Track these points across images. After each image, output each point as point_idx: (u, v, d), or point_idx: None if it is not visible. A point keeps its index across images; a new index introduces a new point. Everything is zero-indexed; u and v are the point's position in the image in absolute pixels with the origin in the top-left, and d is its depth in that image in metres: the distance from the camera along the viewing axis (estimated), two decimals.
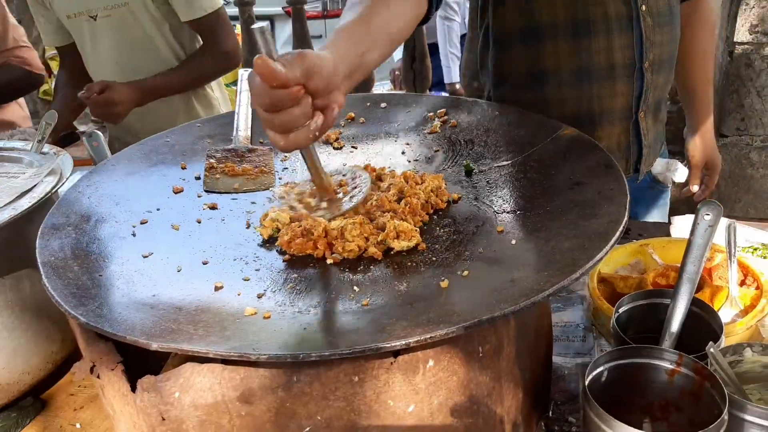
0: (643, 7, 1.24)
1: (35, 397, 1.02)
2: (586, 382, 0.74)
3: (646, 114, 1.35)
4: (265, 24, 0.70)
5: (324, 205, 0.87)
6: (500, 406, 0.73)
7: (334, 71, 0.74)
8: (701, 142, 1.55)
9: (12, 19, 2.19)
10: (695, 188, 1.57)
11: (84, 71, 1.96)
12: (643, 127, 1.35)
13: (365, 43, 0.85)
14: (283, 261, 0.80)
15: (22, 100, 2.38)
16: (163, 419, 0.65)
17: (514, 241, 0.78)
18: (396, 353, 0.63)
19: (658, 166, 1.49)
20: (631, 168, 1.39)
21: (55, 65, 3.58)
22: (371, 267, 0.77)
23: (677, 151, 1.76)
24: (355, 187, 0.90)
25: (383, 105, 1.24)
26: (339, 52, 0.79)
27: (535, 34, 1.26)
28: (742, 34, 2.31)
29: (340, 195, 0.89)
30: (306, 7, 3.02)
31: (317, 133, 0.73)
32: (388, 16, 0.90)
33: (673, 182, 1.53)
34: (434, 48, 4.08)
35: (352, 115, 1.21)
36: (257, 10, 2.89)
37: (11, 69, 2.11)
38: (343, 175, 0.94)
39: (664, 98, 1.42)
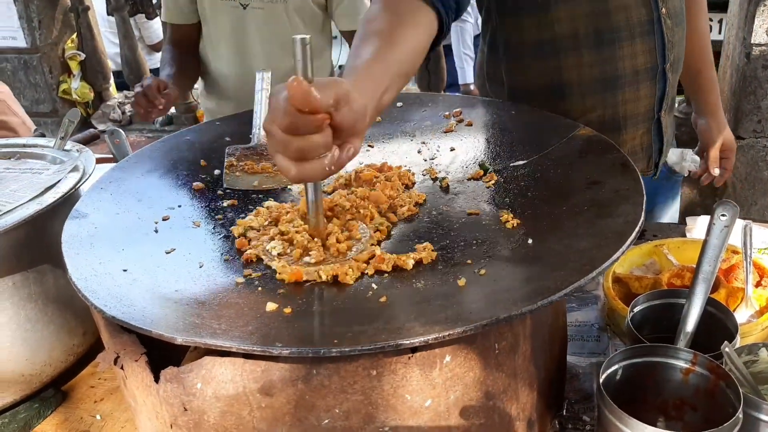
0: (664, 10, 1.23)
1: (56, 389, 1.04)
2: (601, 380, 0.75)
3: (666, 112, 1.35)
4: (307, 37, 0.65)
5: (312, 260, 0.78)
6: (515, 403, 0.74)
7: (364, 111, 0.69)
8: (714, 123, 1.52)
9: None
10: (716, 171, 1.52)
11: (191, 52, 1.86)
12: (664, 125, 1.36)
13: (384, 83, 0.79)
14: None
15: (22, 113, 2.36)
16: (186, 409, 0.67)
17: (530, 240, 0.78)
18: (414, 349, 0.64)
19: (673, 156, 1.49)
20: (652, 165, 1.39)
21: (74, 65, 3.63)
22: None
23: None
24: (351, 239, 0.82)
25: (399, 104, 1.25)
26: (365, 93, 0.73)
27: (553, 47, 1.25)
28: (759, 35, 2.29)
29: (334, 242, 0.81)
30: None
31: (332, 168, 0.67)
32: (405, 51, 0.85)
33: (689, 172, 1.52)
34: (447, 50, 4.08)
35: None
36: None
37: None
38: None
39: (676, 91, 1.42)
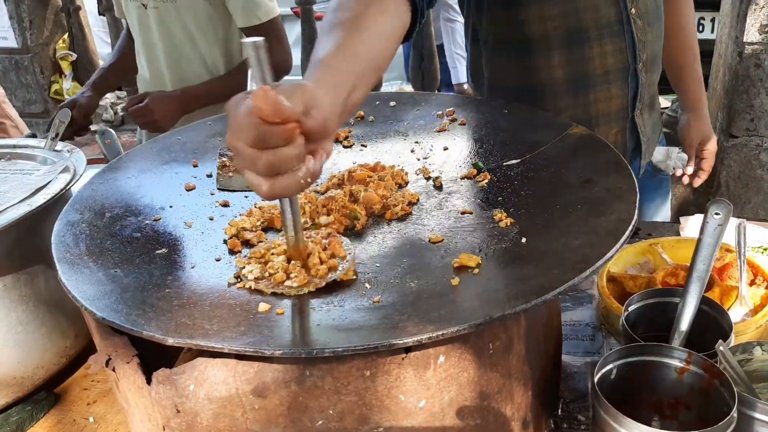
0: (633, 10, 1.23)
1: (49, 391, 1.04)
2: (596, 380, 0.75)
3: (642, 111, 1.35)
4: (259, 39, 0.60)
5: (294, 284, 0.72)
6: (510, 402, 0.74)
7: (331, 112, 0.64)
8: (694, 119, 1.51)
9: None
10: (689, 169, 1.50)
11: None
12: (640, 124, 1.36)
13: (352, 78, 0.72)
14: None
15: (15, 115, 2.40)
16: (178, 411, 0.66)
17: (524, 239, 0.78)
18: (407, 349, 0.63)
19: (658, 154, 1.49)
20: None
21: (65, 65, 3.62)
22: (382, 266, 0.78)
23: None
24: (333, 257, 0.76)
25: (392, 104, 1.25)
26: (330, 90, 0.67)
27: (526, 47, 1.25)
28: (751, 34, 2.31)
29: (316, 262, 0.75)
30: (315, 7, 3.03)
31: (308, 180, 0.62)
32: (373, 44, 0.78)
33: (673, 169, 1.52)
34: (440, 50, 4.08)
35: (362, 113, 1.22)
36: None
37: None
38: (316, 235, 0.80)
39: (656, 90, 1.41)
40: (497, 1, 1.26)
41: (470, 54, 1.42)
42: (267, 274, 0.73)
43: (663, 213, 1.62)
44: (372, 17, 0.79)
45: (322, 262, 0.74)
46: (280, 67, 1.85)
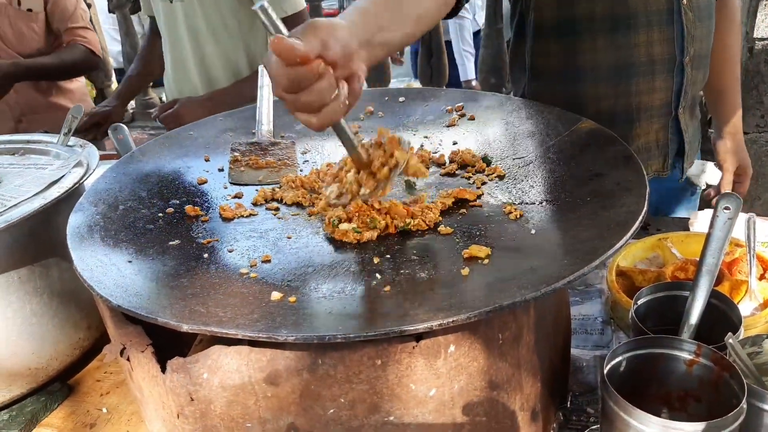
0: (685, 1, 1.21)
1: (62, 383, 1.05)
2: (605, 371, 0.75)
3: (685, 109, 1.32)
4: (264, 3, 0.66)
5: (366, 191, 0.83)
6: (519, 393, 0.74)
7: (349, 37, 0.70)
8: (732, 145, 1.49)
9: (83, 3, 2.29)
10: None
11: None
12: (683, 123, 1.33)
13: (383, 19, 0.80)
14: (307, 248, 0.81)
15: (83, 79, 2.48)
16: (192, 399, 0.67)
17: (533, 231, 0.79)
18: (418, 338, 0.64)
19: (694, 168, 1.46)
20: (669, 166, 1.36)
21: None
22: (393, 255, 0.78)
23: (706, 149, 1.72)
24: (392, 157, 0.83)
25: (401, 99, 1.26)
26: (354, 20, 0.75)
27: (572, 28, 1.23)
28: (762, 30, 2.29)
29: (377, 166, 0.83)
30: (323, 4, 3.04)
31: (347, 103, 0.69)
32: None
33: (707, 184, 1.50)
34: (447, 47, 4.08)
35: (371, 109, 1.23)
36: None
37: (77, 49, 2.21)
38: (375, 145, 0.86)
39: (699, 96, 1.39)
40: None
41: (512, 47, 1.40)
42: (344, 189, 0.83)
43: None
44: None
45: (383, 166, 0.82)
46: None
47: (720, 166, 1.52)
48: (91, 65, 2.36)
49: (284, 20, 1.76)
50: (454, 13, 0.99)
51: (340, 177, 0.85)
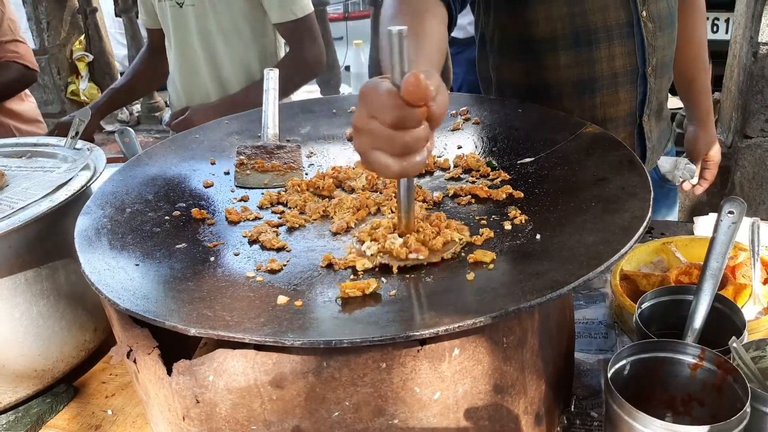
0: (644, 13, 1.23)
1: (68, 384, 1.06)
2: (609, 375, 0.75)
3: (650, 117, 1.35)
4: (403, 28, 0.61)
5: (420, 255, 0.75)
6: (523, 396, 0.75)
7: (448, 100, 0.66)
8: (702, 133, 1.52)
9: (9, 12, 2.17)
10: (694, 180, 1.52)
11: (163, 53, 2.02)
12: (647, 130, 1.36)
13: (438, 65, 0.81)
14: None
15: (34, 100, 2.41)
16: (198, 402, 0.67)
17: (538, 236, 0.79)
18: (423, 341, 0.64)
19: (666, 164, 1.48)
20: None
21: (82, 66, 3.67)
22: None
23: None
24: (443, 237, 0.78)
25: None
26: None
27: (534, 47, 1.25)
28: (766, 34, 2.29)
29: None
30: (328, 9, 3.05)
31: (427, 160, 0.65)
32: (434, 42, 0.87)
33: (680, 179, 1.52)
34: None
35: None
36: None
37: (10, 68, 2.10)
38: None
39: (666, 97, 1.41)
40: (504, 2, 1.27)
41: (478, 60, 1.43)
42: (384, 248, 0.76)
43: None
44: (427, 24, 0.88)
45: (436, 235, 0.77)
46: (314, 65, 1.86)
47: (689, 153, 1.55)
48: (27, 82, 2.25)
49: (292, 22, 1.80)
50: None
51: (375, 236, 0.79)
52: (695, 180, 1.53)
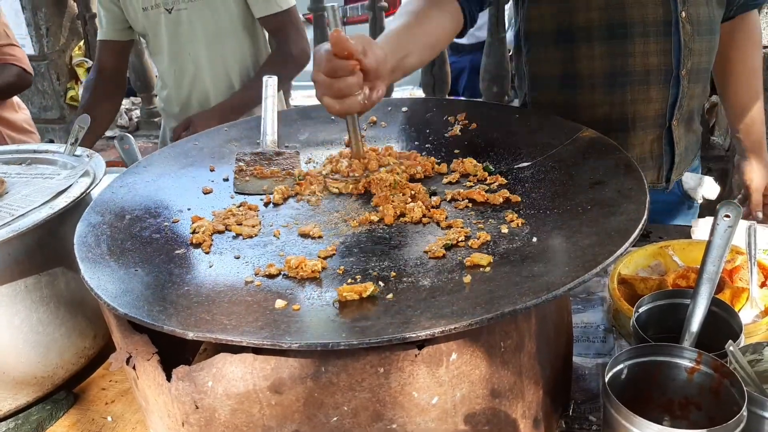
0: (683, 14, 1.23)
1: (68, 391, 1.06)
2: (606, 379, 0.75)
3: (680, 122, 1.33)
4: (336, 3, 0.83)
5: (355, 173, 1.02)
6: (521, 400, 0.75)
7: (384, 59, 0.89)
8: (758, 164, 1.48)
9: (3, 17, 2.20)
10: (760, 215, 1.48)
11: (120, 76, 2.03)
12: (676, 135, 1.34)
13: (407, 48, 1.00)
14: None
15: (27, 111, 2.42)
16: (197, 407, 0.68)
17: (534, 239, 0.79)
18: (420, 346, 0.65)
19: (691, 180, 1.45)
20: (663, 178, 1.38)
21: (81, 72, 3.67)
22: (396, 264, 0.79)
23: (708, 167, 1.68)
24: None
25: (404, 109, 1.27)
26: (388, 46, 0.94)
27: (569, 37, 1.26)
28: (765, 37, 2.30)
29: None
30: (326, 13, 3.06)
31: (366, 103, 0.87)
32: (430, 27, 1.06)
33: (703, 198, 1.50)
34: None
35: (374, 118, 1.24)
36: None
37: (9, 70, 2.13)
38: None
39: (698, 109, 1.40)
40: None
41: (515, 57, 1.44)
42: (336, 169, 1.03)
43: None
44: (431, 12, 1.09)
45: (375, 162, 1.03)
46: (299, 58, 1.89)
47: (747, 188, 1.50)
48: (24, 85, 2.28)
49: (276, 15, 1.82)
50: (460, 36, 1.16)
51: (333, 161, 1.06)
52: (760, 215, 1.47)
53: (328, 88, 0.85)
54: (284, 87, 1.98)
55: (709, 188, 1.47)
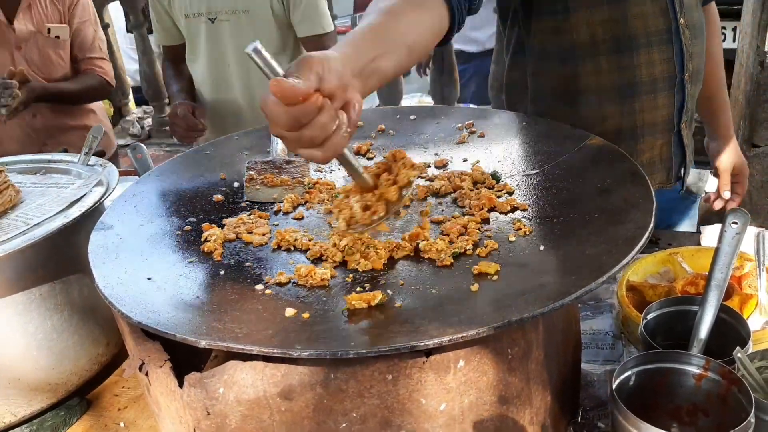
0: (682, 20, 1.25)
1: (81, 397, 1.08)
2: (614, 386, 0.76)
3: (687, 124, 1.35)
4: (256, 43, 0.66)
5: (381, 214, 0.81)
6: (529, 407, 0.76)
7: (342, 67, 0.71)
8: (727, 147, 1.53)
9: (101, 32, 2.41)
10: (727, 194, 1.53)
11: (184, 64, 2.07)
12: (686, 137, 1.36)
13: (377, 49, 0.82)
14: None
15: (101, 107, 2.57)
16: (209, 414, 0.69)
17: (542, 247, 0.80)
18: (428, 353, 0.65)
19: (690, 176, 1.49)
20: (673, 178, 1.39)
21: None
22: (404, 273, 0.80)
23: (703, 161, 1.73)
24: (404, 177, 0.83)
25: (412, 117, 1.28)
26: (346, 51, 0.76)
27: (572, 53, 1.27)
28: None
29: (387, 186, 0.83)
30: (336, 22, 3.08)
31: (350, 131, 0.70)
32: (403, 26, 0.87)
33: (705, 192, 1.52)
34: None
35: (383, 127, 1.25)
36: None
37: (95, 78, 2.31)
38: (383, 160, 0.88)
39: (695, 107, 1.42)
40: (545, 9, 1.28)
41: (509, 69, 1.43)
42: (352, 218, 0.81)
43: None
44: (408, 9, 0.90)
45: (393, 184, 0.81)
46: None
47: (716, 169, 1.54)
48: (105, 93, 2.49)
49: (320, 36, 1.85)
50: (445, 42, 1.00)
51: (341, 207, 0.83)
52: (728, 195, 1.52)
53: (298, 141, 0.68)
54: None
55: (709, 182, 1.49)
